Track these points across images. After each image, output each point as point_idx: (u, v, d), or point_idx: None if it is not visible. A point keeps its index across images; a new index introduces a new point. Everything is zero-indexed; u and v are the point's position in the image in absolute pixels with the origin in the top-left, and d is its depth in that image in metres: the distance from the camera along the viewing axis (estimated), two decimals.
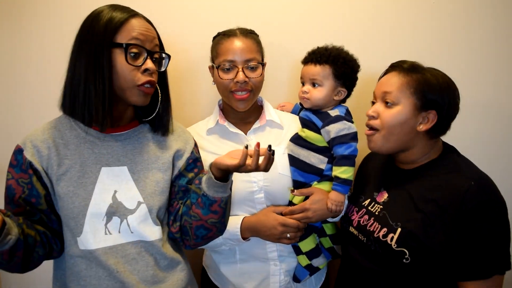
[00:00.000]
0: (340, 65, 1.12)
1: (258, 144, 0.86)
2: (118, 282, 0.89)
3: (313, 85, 1.15)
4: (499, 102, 1.43)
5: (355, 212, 1.10)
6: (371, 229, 1.00)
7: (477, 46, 1.41)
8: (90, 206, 0.88)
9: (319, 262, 1.19)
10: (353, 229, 1.07)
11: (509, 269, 0.90)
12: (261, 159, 0.88)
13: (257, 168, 0.88)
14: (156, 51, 0.91)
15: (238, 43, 1.11)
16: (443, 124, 0.98)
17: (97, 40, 0.83)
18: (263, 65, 1.16)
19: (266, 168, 0.89)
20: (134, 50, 0.85)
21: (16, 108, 1.53)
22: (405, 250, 0.91)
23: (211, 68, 1.19)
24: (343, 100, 1.20)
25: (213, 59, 1.18)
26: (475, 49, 1.41)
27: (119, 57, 0.84)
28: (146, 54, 0.87)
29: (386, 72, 1.05)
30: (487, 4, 1.39)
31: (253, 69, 1.13)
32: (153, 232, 0.93)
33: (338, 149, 1.10)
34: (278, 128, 1.23)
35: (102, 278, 0.88)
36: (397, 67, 1.01)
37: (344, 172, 1.09)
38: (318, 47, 1.17)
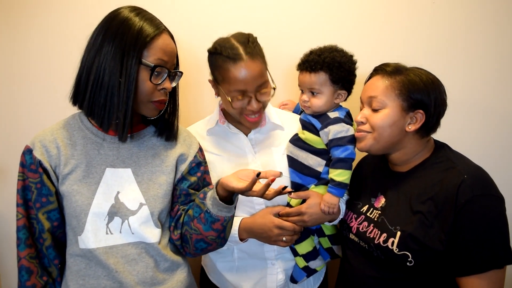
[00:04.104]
0: (335, 70, 1.10)
1: (273, 180, 0.87)
2: (116, 282, 0.90)
3: (312, 93, 1.14)
4: (499, 101, 1.45)
5: (354, 219, 1.09)
6: (371, 236, 1.00)
7: (478, 46, 1.42)
8: (93, 206, 0.89)
9: (317, 264, 1.20)
10: (353, 236, 1.07)
11: (511, 263, 0.87)
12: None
13: (262, 196, 0.90)
14: (174, 71, 0.94)
15: (248, 71, 1.00)
16: (432, 122, 0.98)
17: (126, 51, 0.84)
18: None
19: (271, 199, 0.92)
20: (158, 70, 0.88)
21: (16, 109, 1.53)
22: (408, 253, 0.91)
23: (213, 83, 1.11)
24: (344, 99, 1.18)
25: (216, 79, 1.08)
26: (476, 49, 1.43)
27: (143, 73, 0.87)
28: (166, 75, 0.90)
29: (370, 76, 1.05)
30: (487, 4, 1.40)
31: (265, 93, 1.07)
32: (154, 234, 0.94)
33: (335, 151, 1.10)
34: (279, 129, 1.23)
35: (101, 278, 0.90)
36: (380, 70, 1.02)
37: (339, 175, 1.08)
38: (310, 52, 1.14)
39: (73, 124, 0.95)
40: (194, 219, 0.95)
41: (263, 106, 1.11)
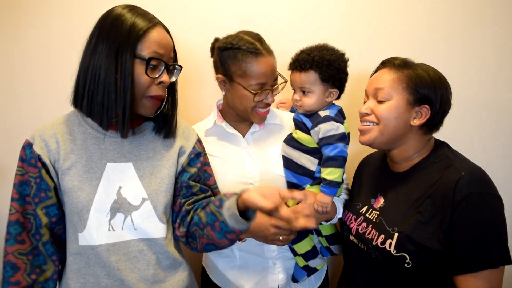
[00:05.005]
0: (324, 68, 1.09)
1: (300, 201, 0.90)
2: (117, 281, 0.89)
3: (303, 92, 1.14)
4: (499, 100, 1.45)
5: (353, 220, 1.09)
6: (369, 237, 0.99)
7: (477, 45, 1.43)
8: (95, 202, 0.88)
9: (317, 263, 1.19)
10: (353, 238, 1.07)
11: (507, 263, 0.85)
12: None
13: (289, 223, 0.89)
14: (172, 64, 0.93)
15: (268, 66, 1.07)
16: (436, 119, 0.98)
17: (120, 47, 0.84)
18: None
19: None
20: (154, 62, 0.87)
21: (16, 109, 1.54)
22: (405, 255, 0.90)
23: (224, 79, 1.12)
24: (338, 97, 1.17)
25: (232, 73, 1.09)
26: (476, 48, 1.44)
27: (139, 67, 0.86)
28: (163, 67, 0.89)
29: (377, 69, 1.05)
30: (487, 3, 1.41)
31: (277, 88, 1.14)
32: (157, 230, 0.93)
33: (325, 150, 1.09)
34: (276, 129, 1.24)
35: (101, 277, 0.89)
36: (388, 63, 1.01)
37: (330, 173, 1.07)
38: (301, 51, 1.14)
39: (73, 119, 0.95)
40: (208, 226, 0.94)
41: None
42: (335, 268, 1.61)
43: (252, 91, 1.08)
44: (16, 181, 0.89)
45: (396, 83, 0.97)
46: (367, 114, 1.01)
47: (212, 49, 1.17)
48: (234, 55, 1.07)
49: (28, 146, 0.90)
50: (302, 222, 0.86)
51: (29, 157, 0.89)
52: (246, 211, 0.91)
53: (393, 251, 0.92)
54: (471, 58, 1.44)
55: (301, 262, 1.19)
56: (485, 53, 1.43)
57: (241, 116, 1.18)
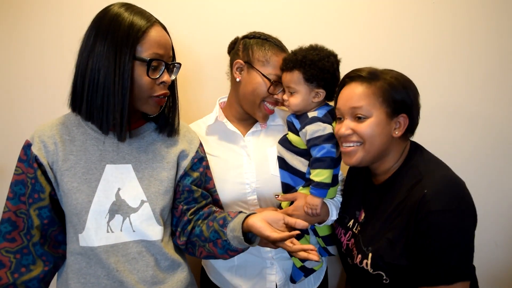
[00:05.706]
0: (307, 68, 1.08)
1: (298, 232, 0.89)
2: (116, 282, 0.89)
3: (290, 92, 1.13)
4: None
5: (343, 234, 1.09)
6: (354, 254, 1.00)
7: (477, 47, 1.42)
8: (93, 203, 0.88)
9: (313, 264, 1.19)
10: (344, 251, 1.07)
11: (464, 280, 0.85)
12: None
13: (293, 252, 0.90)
14: (172, 63, 0.93)
15: None
16: (415, 122, 0.98)
17: (119, 48, 0.83)
18: None
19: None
20: (154, 63, 0.87)
21: (15, 110, 1.55)
22: (382, 273, 0.91)
23: (244, 65, 1.17)
24: (330, 98, 1.15)
25: (254, 60, 1.16)
26: (476, 50, 1.42)
27: (139, 69, 0.85)
28: (163, 67, 0.89)
29: (345, 83, 1.01)
30: (487, 4, 1.39)
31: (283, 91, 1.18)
32: (156, 232, 0.94)
33: (312, 151, 1.09)
34: (278, 129, 1.25)
35: (101, 277, 0.89)
36: (355, 77, 0.98)
37: (317, 175, 1.07)
38: (291, 52, 1.15)
39: (72, 119, 0.94)
40: (210, 242, 0.96)
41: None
42: (335, 269, 1.61)
43: (271, 79, 1.13)
44: (13, 180, 0.90)
45: (373, 99, 0.94)
46: (349, 135, 0.98)
47: (234, 43, 1.22)
48: (262, 43, 1.16)
49: (27, 146, 0.90)
50: (292, 221, 0.88)
51: (28, 158, 0.89)
52: (248, 232, 0.93)
53: (370, 269, 0.93)
54: (473, 59, 1.42)
55: (298, 263, 1.20)
56: (484, 55, 1.41)
57: (246, 110, 1.20)
